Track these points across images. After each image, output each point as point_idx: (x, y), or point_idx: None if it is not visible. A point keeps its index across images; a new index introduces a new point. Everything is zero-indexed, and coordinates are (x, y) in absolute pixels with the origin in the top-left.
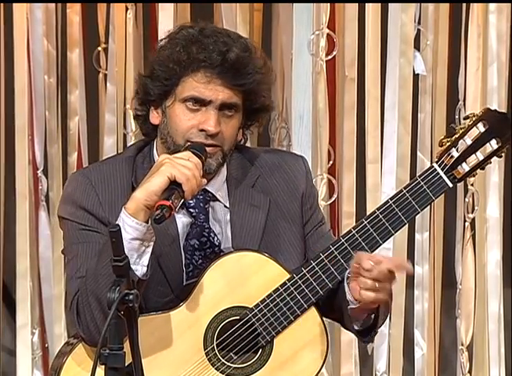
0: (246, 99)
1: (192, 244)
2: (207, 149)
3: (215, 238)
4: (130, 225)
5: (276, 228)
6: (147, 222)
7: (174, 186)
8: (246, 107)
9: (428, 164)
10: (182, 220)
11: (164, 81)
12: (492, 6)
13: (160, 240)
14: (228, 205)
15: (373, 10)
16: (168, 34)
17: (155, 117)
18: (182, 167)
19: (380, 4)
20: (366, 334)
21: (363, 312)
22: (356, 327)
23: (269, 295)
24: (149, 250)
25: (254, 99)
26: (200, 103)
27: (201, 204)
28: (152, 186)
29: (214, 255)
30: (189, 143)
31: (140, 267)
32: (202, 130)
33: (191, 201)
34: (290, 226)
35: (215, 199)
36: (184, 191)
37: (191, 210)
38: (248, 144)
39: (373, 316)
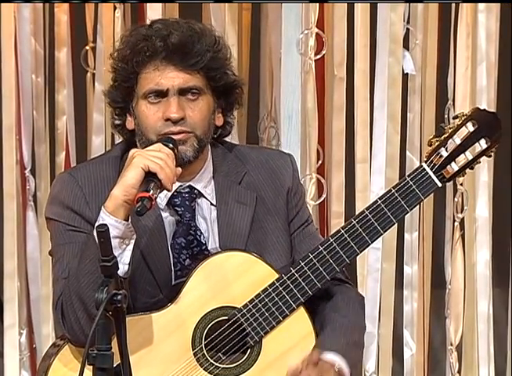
0: (209, 78)
1: (179, 243)
2: (179, 136)
3: (202, 236)
4: (109, 224)
5: (263, 225)
6: (127, 220)
7: (150, 178)
8: (212, 88)
9: (417, 164)
10: (168, 219)
11: (123, 84)
12: (482, 6)
13: (147, 239)
14: (214, 202)
15: (361, 9)
16: (121, 37)
17: (129, 123)
18: (154, 157)
19: (368, 3)
20: None
21: None
22: None
23: (258, 295)
24: (130, 248)
25: (216, 78)
26: (159, 94)
27: (187, 202)
28: (128, 180)
29: (201, 254)
30: (159, 137)
31: (121, 265)
32: (167, 119)
33: (176, 199)
34: (277, 223)
35: (201, 195)
36: (160, 180)
37: (177, 208)
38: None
39: None
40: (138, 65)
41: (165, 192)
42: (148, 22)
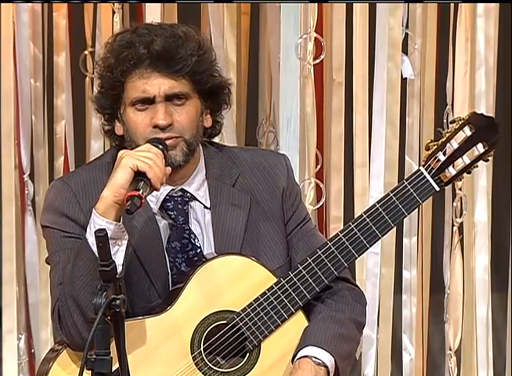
0: (195, 82)
1: (173, 247)
2: (168, 142)
3: (196, 240)
4: (100, 225)
5: (258, 227)
6: (119, 221)
7: (139, 177)
8: (199, 91)
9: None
10: (162, 223)
11: (110, 92)
12: (480, 10)
13: (143, 243)
14: (208, 205)
15: (360, 14)
16: (105, 44)
17: (118, 129)
18: (143, 157)
19: (367, 7)
20: None
21: None
22: None
23: (256, 299)
24: (123, 248)
25: (202, 81)
26: (146, 101)
27: (179, 206)
28: (117, 180)
29: (197, 258)
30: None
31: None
32: (155, 126)
33: (169, 203)
34: (272, 225)
35: (194, 199)
36: (150, 179)
37: (169, 212)
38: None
39: None
40: (123, 74)
41: (158, 196)
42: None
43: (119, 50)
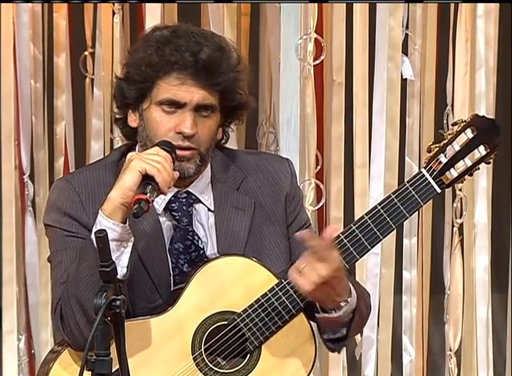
0: (223, 98)
1: (176, 248)
2: (185, 153)
3: (199, 241)
4: (106, 227)
5: (261, 231)
6: (125, 223)
7: (147, 181)
8: (223, 106)
9: (416, 169)
10: (166, 224)
11: (139, 84)
12: (480, 11)
13: (145, 244)
14: (212, 208)
15: (360, 14)
16: (141, 35)
17: (133, 120)
18: (151, 160)
19: (367, 8)
20: (336, 343)
21: (334, 324)
22: (325, 337)
23: (257, 300)
24: (128, 250)
25: (230, 98)
26: (176, 105)
27: (184, 207)
28: (125, 182)
29: (199, 259)
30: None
31: (120, 268)
32: (179, 132)
33: (174, 204)
34: (275, 228)
35: (199, 201)
36: (158, 183)
37: (174, 213)
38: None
39: (344, 330)
40: (163, 73)
41: (163, 197)
42: (165, 24)
43: (163, 49)
